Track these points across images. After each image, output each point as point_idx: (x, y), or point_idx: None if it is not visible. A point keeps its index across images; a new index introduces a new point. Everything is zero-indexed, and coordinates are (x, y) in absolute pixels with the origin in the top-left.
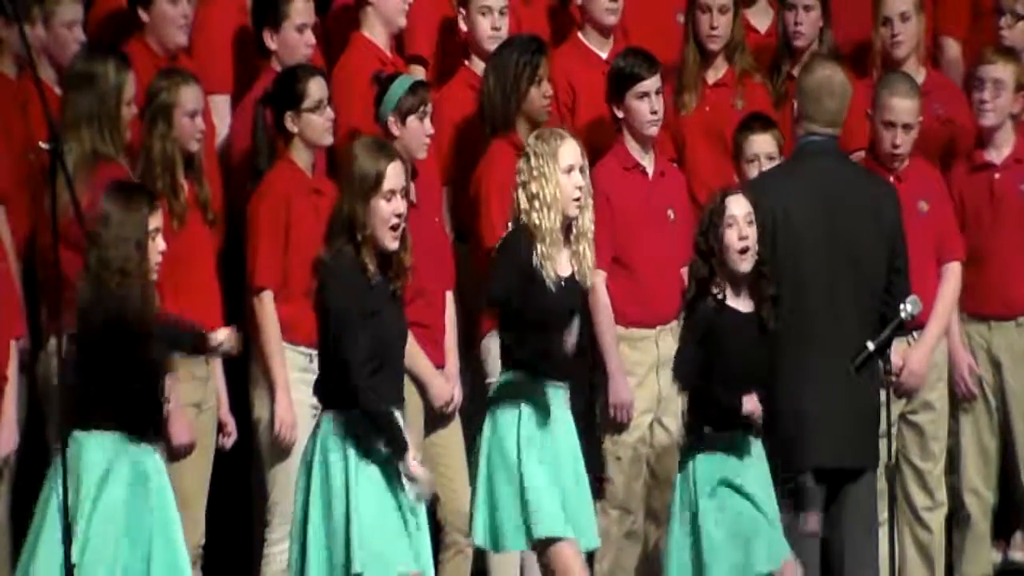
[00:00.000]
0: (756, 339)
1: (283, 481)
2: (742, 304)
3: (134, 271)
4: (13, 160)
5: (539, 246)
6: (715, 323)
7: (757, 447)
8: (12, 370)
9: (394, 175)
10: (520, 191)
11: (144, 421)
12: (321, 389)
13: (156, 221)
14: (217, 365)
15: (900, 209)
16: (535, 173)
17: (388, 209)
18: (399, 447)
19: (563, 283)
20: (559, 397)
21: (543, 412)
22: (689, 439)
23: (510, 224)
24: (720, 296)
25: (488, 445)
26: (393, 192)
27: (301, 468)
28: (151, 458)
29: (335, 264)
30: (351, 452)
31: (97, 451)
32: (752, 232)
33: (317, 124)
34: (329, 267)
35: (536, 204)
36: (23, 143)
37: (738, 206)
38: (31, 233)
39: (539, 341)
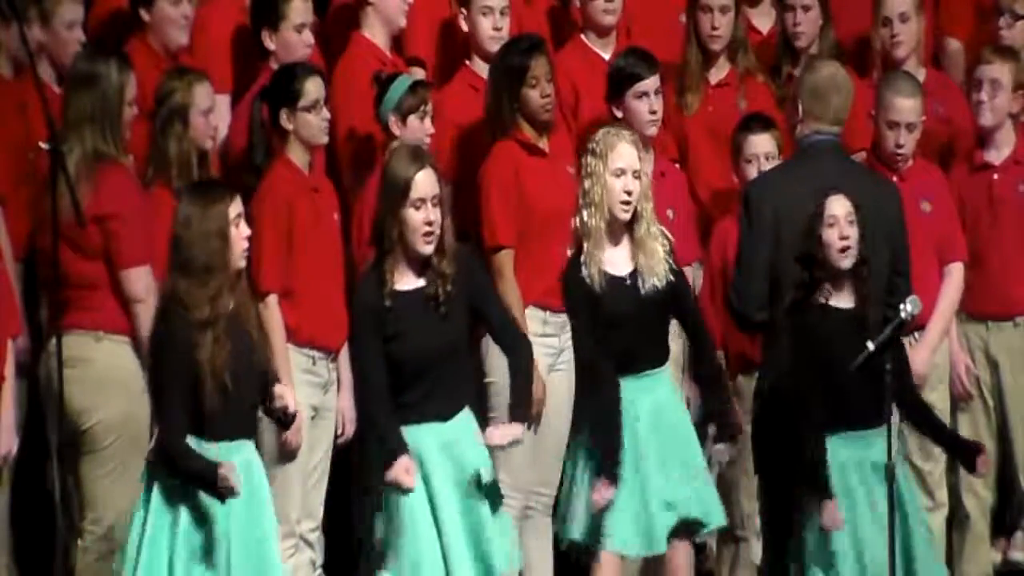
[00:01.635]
0: (862, 337)
1: (282, 483)
2: (844, 302)
3: (218, 264)
4: (11, 161)
5: (585, 244)
6: (820, 326)
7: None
8: (9, 370)
9: (424, 183)
10: (579, 188)
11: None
12: None
13: (236, 208)
14: None
15: (903, 209)
16: (588, 171)
17: (419, 218)
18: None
19: (625, 281)
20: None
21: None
22: None
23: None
24: (823, 300)
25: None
26: (423, 200)
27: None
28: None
29: (363, 274)
30: None
31: None
32: (854, 232)
33: (313, 123)
34: (362, 276)
35: (586, 201)
36: (21, 143)
37: (839, 206)
38: (30, 233)
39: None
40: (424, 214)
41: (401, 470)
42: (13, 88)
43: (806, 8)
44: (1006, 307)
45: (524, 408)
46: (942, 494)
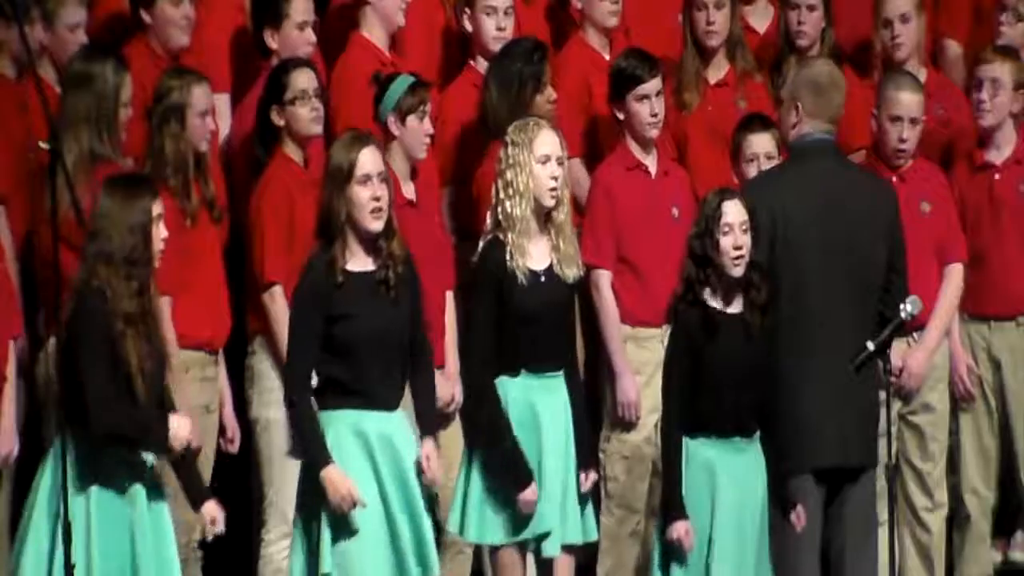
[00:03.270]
0: (743, 341)
1: (279, 481)
2: (731, 307)
3: (140, 259)
4: (12, 160)
5: (510, 235)
6: (700, 327)
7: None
8: (11, 370)
9: (368, 160)
10: (497, 180)
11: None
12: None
13: (158, 208)
14: (223, 367)
15: (898, 208)
16: (510, 162)
17: (366, 194)
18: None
19: (540, 277)
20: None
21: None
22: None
23: (488, 219)
24: (708, 301)
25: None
26: (368, 176)
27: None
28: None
29: (308, 259)
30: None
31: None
32: (747, 240)
33: (302, 115)
34: (307, 260)
35: (509, 192)
36: (23, 143)
37: (734, 213)
38: (28, 233)
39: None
40: (371, 190)
41: (342, 486)
42: (15, 88)
43: (811, 8)
44: (1008, 306)
45: (432, 423)
46: (942, 494)
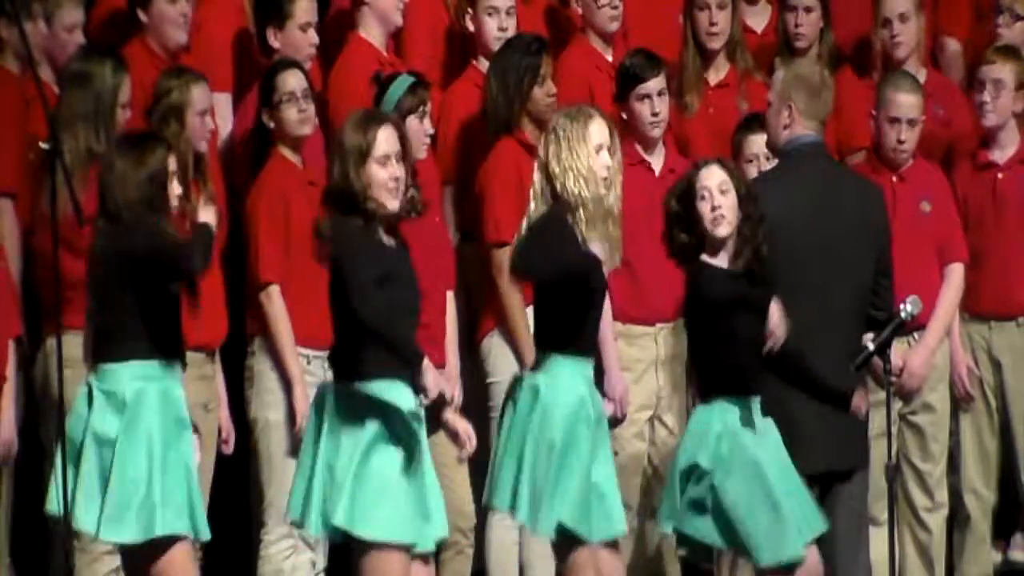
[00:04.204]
0: (748, 292)
1: (279, 481)
2: (726, 263)
3: (159, 205)
4: (19, 154)
5: (580, 212)
6: (703, 285)
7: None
8: (11, 370)
9: (386, 140)
10: (554, 166)
11: (174, 347)
12: (336, 360)
13: (172, 164)
14: (219, 366)
15: (887, 210)
16: (566, 149)
17: (385, 174)
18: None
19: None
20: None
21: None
22: None
23: (536, 205)
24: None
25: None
26: (387, 157)
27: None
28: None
29: (344, 231)
30: (368, 425)
31: (130, 379)
32: (727, 200)
33: (290, 117)
34: (340, 233)
35: (571, 175)
36: (26, 140)
37: (709, 177)
38: (26, 233)
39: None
40: (390, 171)
41: (455, 416)
42: (20, 83)
43: (808, 9)
44: (1009, 307)
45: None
46: (942, 494)
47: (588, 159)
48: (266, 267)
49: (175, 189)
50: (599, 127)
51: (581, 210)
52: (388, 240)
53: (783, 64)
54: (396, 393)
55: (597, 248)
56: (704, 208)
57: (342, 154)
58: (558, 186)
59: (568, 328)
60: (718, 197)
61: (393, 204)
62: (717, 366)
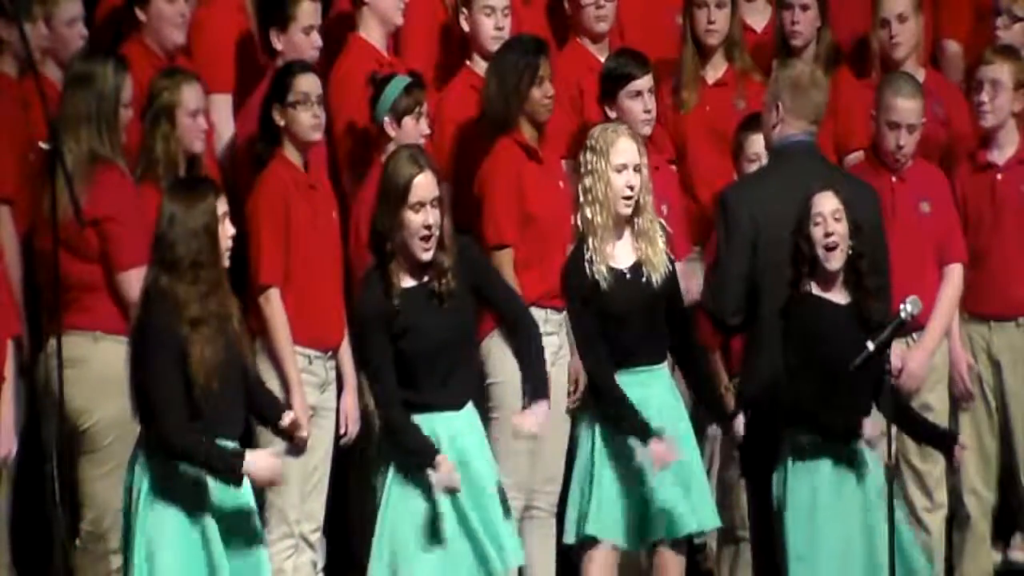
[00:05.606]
0: (855, 332)
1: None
2: (838, 298)
3: (206, 261)
4: (17, 160)
5: (590, 239)
6: (811, 318)
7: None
8: (9, 370)
9: (423, 186)
10: (577, 186)
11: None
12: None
13: (223, 206)
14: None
15: (880, 210)
16: (589, 168)
17: (417, 221)
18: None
19: (625, 275)
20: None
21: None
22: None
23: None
24: (812, 291)
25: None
26: (422, 204)
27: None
28: None
29: (365, 277)
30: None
31: None
32: (840, 228)
33: (303, 120)
34: (364, 279)
35: (588, 199)
36: (25, 143)
37: (825, 203)
38: (29, 233)
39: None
40: (423, 217)
41: (448, 472)
42: (18, 87)
43: (804, 8)
44: (1008, 307)
45: (545, 385)
46: (941, 494)
47: (608, 180)
48: (266, 270)
49: (228, 231)
50: (625, 146)
51: (589, 235)
52: (410, 283)
53: (780, 63)
54: None
55: (619, 263)
56: (818, 234)
57: (381, 192)
58: (578, 212)
59: None
60: (832, 224)
61: (426, 255)
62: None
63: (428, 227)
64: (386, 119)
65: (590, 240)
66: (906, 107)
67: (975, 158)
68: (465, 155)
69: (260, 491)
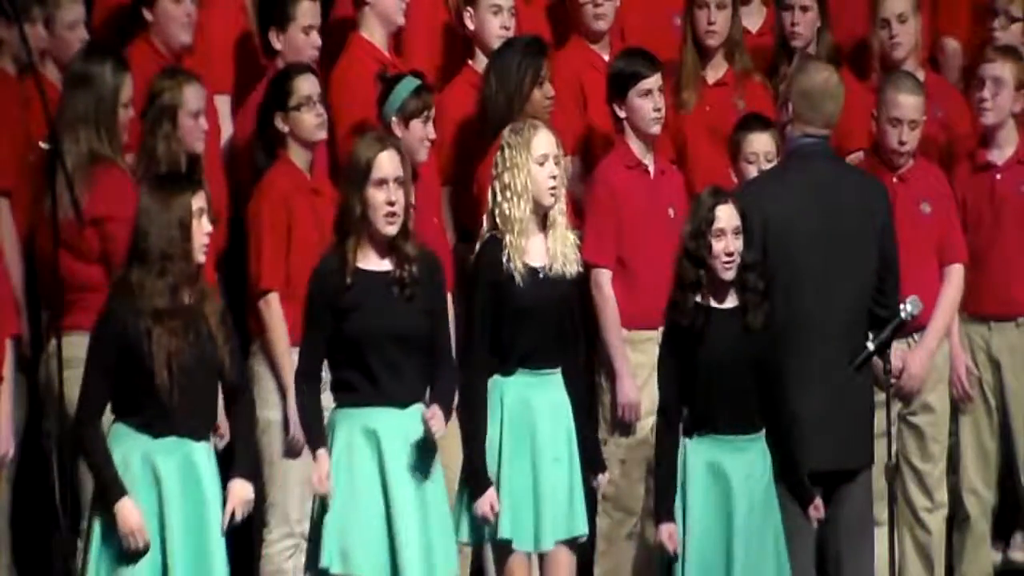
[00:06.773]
0: (738, 338)
1: (280, 481)
2: (725, 304)
3: (175, 254)
4: (16, 154)
5: (508, 236)
6: (699, 325)
7: None
8: (8, 370)
9: (386, 163)
10: (495, 182)
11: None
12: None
13: (200, 202)
14: None
15: (891, 209)
16: (508, 164)
17: (380, 197)
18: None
19: (539, 274)
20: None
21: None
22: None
23: (484, 221)
24: (704, 301)
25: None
26: (384, 180)
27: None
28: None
29: (320, 261)
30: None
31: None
32: (738, 243)
33: (306, 121)
34: (318, 263)
35: (507, 194)
36: (25, 139)
37: (727, 218)
38: (29, 233)
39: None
40: (386, 194)
41: (320, 476)
42: (17, 84)
43: (804, 8)
44: (1008, 307)
45: (449, 409)
46: (941, 495)
47: (528, 171)
48: (266, 274)
49: (204, 227)
50: (544, 138)
51: (507, 232)
52: (370, 265)
53: (798, 62)
54: None
55: (533, 260)
56: (718, 248)
57: (344, 173)
58: (496, 208)
59: None
60: (732, 241)
61: (390, 229)
62: None
63: (391, 203)
64: (394, 119)
65: (508, 236)
66: (908, 102)
67: (974, 158)
68: (465, 156)
69: (261, 491)
